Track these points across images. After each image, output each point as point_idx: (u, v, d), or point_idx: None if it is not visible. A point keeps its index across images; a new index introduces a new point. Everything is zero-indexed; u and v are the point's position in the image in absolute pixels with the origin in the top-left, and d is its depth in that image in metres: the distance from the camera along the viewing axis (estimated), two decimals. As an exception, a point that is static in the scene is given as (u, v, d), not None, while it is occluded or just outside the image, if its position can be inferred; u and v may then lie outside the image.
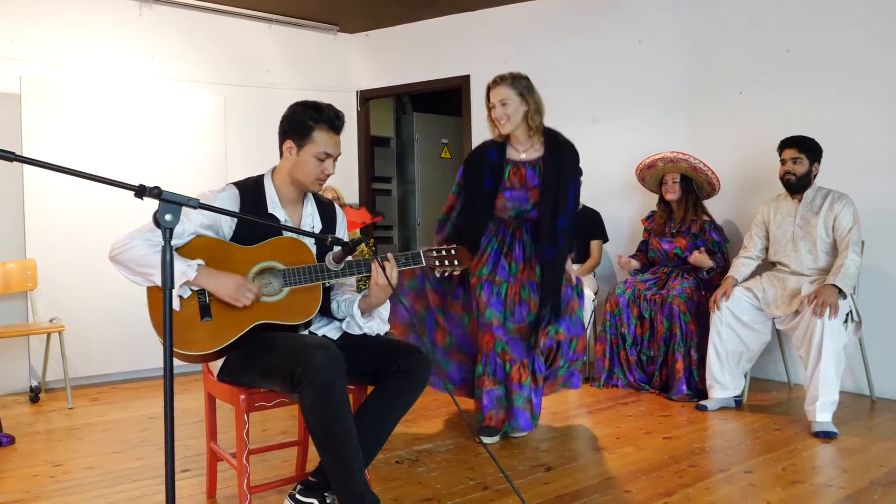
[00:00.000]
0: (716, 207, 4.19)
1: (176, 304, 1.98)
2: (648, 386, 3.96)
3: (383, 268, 2.08)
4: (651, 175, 4.28)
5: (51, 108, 4.29)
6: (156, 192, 1.43)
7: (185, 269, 1.95)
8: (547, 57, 5.11)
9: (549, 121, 5.22)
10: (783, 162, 3.57)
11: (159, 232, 1.98)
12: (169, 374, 1.43)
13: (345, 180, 5.65)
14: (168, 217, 1.44)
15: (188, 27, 5.04)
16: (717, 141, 4.41)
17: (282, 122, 2.24)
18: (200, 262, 2.00)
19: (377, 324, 2.24)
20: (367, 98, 5.93)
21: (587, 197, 4.67)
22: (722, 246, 4.03)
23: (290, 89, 5.33)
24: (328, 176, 2.24)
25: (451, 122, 7.19)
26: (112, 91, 4.55)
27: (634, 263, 4.24)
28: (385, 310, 2.24)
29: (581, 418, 3.51)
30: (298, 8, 5.37)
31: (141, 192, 1.42)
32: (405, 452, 2.90)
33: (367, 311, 2.21)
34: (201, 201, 1.53)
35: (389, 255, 2.12)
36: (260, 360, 2.04)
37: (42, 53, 4.41)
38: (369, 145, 6.06)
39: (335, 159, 2.25)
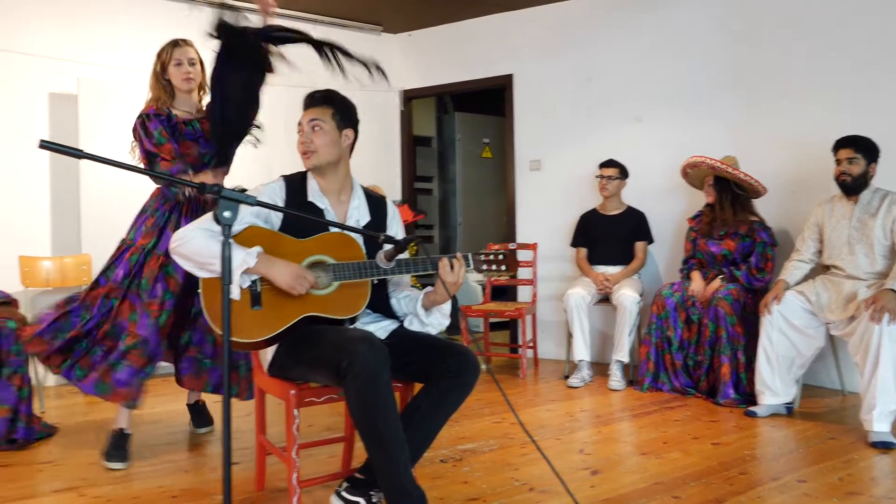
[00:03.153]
0: (765, 209, 4.09)
1: (236, 294, 2.01)
2: (694, 391, 3.88)
3: (452, 266, 2.10)
4: (692, 176, 4.21)
5: (105, 107, 4.40)
6: (216, 190, 1.45)
7: (245, 257, 1.99)
8: (590, 55, 5.06)
9: (592, 119, 5.21)
10: (838, 162, 3.47)
11: (216, 224, 2.04)
12: (227, 367, 1.45)
13: (387, 179, 5.69)
14: (227, 214, 1.46)
15: (236, 28, 5.12)
16: (765, 140, 4.32)
17: None
18: (259, 249, 2.03)
19: (438, 319, 2.26)
20: (410, 98, 5.95)
21: (631, 197, 4.62)
22: (768, 247, 3.93)
23: (332, 88, 5.36)
24: (305, 143, 2.22)
25: (492, 122, 7.18)
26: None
27: (698, 283, 3.99)
28: (447, 305, 2.24)
29: (625, 421, 3.47)
30: (342, 9, 5.42)
31: (202, 189, 1.45)
32: (449, 451, 2.90)
33: (429, 307, 2.23)
34: (250, 192, 1.56)
35: (459, 255, 2.13)
36: (307, 353, 2.07)
37: (96, 55, 4.54)
38: (412, 145, 6.08)
39: (311, 126, 2.22)
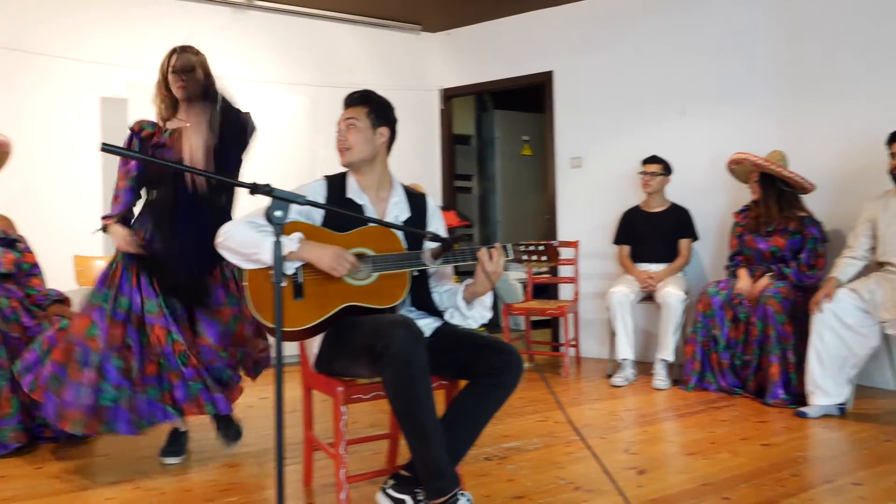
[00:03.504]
0: (814, 205, 3.99)
1: (283, 281, 2.05)
2: (742, 390, 3.81)
3: (490, 256, 2.11)
4: (738, 172, 4.13)
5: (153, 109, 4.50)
6: (266, 190, 1.48)
7: (288, 243, 2.04)
8: (632, 49, 5.00)
9: (634, 115, 5.14)
10: (893, 156, 3.36)
11: (261, 218, 2.09)
12: (279, 361, 1.48)
13: (427, 178, 5.70)
14: (278, 213, 1.49)
15: (277, 31, 5.21)
16: (814, 134, 4.21)
17: None
18: (301, 235, 2.08)
19: (479, 312, 2.27)
20: (449, 96, 5.96)
21: (675, 194, 4.55)
22: (819, 243, 3.83)
23: (374, 89, 5.40)
24: (341, 140, 2.28)
25: (531, 119, 7.14)
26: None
27: (746, 281, 3.89)
28: (488, 298, 2.26)
29: (670, 421, 3.42)
30: (382, 9, 5.45)
31: (253, 189, 1.48)
32: (493, 449, 2.90)
33: (470, 300, 2.24)
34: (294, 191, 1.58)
35: (498, 245, 2.14)
36: (347, 342, 2.11)
37: (145, 60, 4.64)
38: (451, 143, 6.09)
39: (347, 125, 2.28)
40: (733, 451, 2.86)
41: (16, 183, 3.78)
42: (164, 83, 2.78)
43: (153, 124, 2.79)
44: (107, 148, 1.33)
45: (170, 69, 2.76)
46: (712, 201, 4.60)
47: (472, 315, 2.27)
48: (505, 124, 7.28)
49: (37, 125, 4.39)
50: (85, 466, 2.80)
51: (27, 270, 3.32)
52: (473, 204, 7.45)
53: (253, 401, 3.89)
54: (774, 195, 3.90)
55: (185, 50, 2.79)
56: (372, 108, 2.30)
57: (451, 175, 6.06)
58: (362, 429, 3.21)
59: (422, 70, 5.86)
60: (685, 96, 4.77)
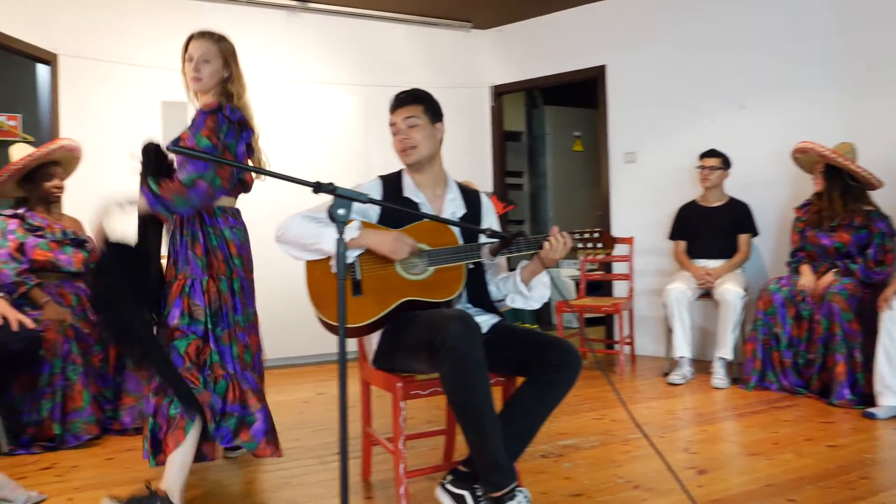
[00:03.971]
0: (881, 199, 3.83)
1: (335, 268, 2.09)
2: (805, 390, 3.69)
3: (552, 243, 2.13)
4: (802, 162, 4.00)
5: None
6: (330, 189, 1.51)
7: (347, 230, 2.05)
8: (687, 41, 4.90)
9: (690, 108, 5.04)
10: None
11: (318, 214, 2.13)
12: (342, 357, 1.51)
13: (478, 175, 5.71)
14: (341, 211, 1.51)
15: (329, 32, 5.28)
16: (880, 124, 4.04)
17: None
18: (359, 223, 2.11)
19: (540, 291, 2.29)
20: (500, 93, 5.95)
21: (734, 188, 4.44)
22: (887, 238, 3.68)
23: (424, 87, 5.43)
24: (405, 140, 2.28)
25: (583, 115, 7.07)
26: (262, 95, 4.84)
27: (809, 277, 3.77)
28: (546, 276, 2.27)
29: (730, 421, 3.34)
30: (433, 7, 5.47)
31: (318, 187, 1.50)
32: (550, 447, 2.89)
33: (528, 280, 2.25)
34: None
35: (556, 229, 2.18)
36: (405, 337, 2.12)
37: (204, 63, 4.79)
38: (502, 140, 6.07)
39: (408, 125, 2.28)
40: (798, 453, 2.77)
41: (83, 186, 3.94)
42: (184, 71, 2.47)
43: None
44: (173, 149, 1.38)
45: (185, 56, 2.46)
46: (772, 195, 4.47)
47: (534, 295, 2.28)
48: (556, 120, 7.22)
49: (101, 130, 4.55)
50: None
51: (96, 269, 3.45)
52: (524, 200, 7.41)
53: (310, 395, 3.97)
54: (839, 188, 3.76)
55: (203, 35, 2.48)
56: (427, 105, 2.32)
57: (502, 172, 6.05)
58: (418, 424, 3.24)
59: (472, 67, 5.86)
60: (743, 87, 4.64)
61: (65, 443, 3.01)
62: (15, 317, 2.80)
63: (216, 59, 2.44)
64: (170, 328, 2.27)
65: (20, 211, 3.26)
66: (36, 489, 2.42)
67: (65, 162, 3.40)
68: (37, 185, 3.30)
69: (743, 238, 4.33)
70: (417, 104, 2.31)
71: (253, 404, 2.33)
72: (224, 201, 2.44)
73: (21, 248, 3.19)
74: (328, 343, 2.78)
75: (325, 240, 2.08)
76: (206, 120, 2.29)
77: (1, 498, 2.31)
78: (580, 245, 2.19)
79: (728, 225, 4.35)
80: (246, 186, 2.55)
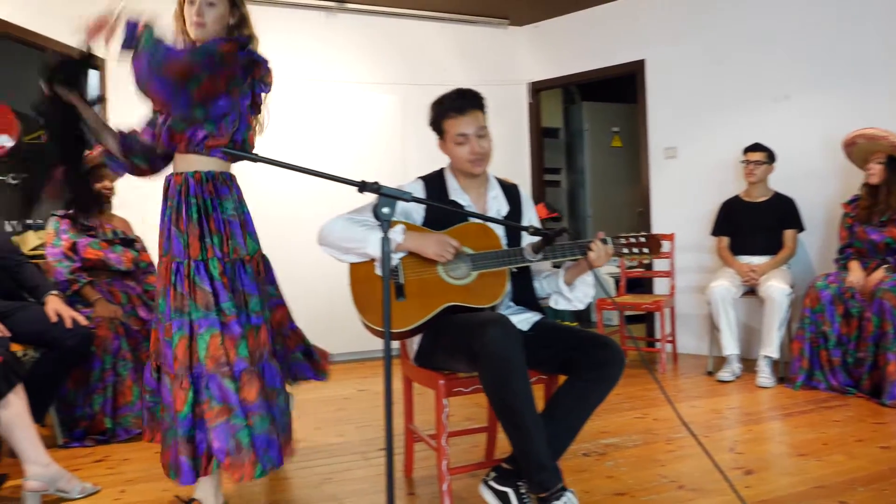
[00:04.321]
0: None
1: (378, 270, 2.11)
2: (855, 390, 3.60)
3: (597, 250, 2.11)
4: (855, 153, 3.88)
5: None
6: (375, 188, 1.52)
7: (391, 234, 2.05)
8: (727, 33, 4.81)
9: (732, 101, 4.94)
10: None
11: (361, 216, 2.15)
12: (387, 356, 1.52)
13: (516, 172, 5.69)
14: (385, 210, 1.53)
15: (368, 32, 5.32)
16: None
17: (429, 124, 2.33)
18: (403, 226, 2.12)
19: (583, 291, 2.27)
20: (538, 90, 5.92)
21: (780, 183, 4.34)
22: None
23: (462, 85, 5.42)
24: (480, 153, 2.23)
25: (621, 110, 6.99)
26: (300, 96, 4.92)
27: (858, 274, 3.66)
28: (589, 276, 2.25)
29: (777, 420, 3.28)
30: (470, 5, 5.47)
31: (362, 187, 1.52)
32: (592, 445, 2.88)
33: (571, 281, 2.25)
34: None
35: (601, 234, 2.15)
36: (444, 340, 2.13)
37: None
38: (540, 137, 6.04)
39: (478, 135, 2.23)
40: (848, 454, 2.71)
41: (129, 187, 4.04)
42: (180, 14, 2.13)
43: None
44: (227, 152, 1.41)
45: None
46: (819, 190, 4.36)
47: (576, 296, 2.26)
48: (593, 116, 7.15)
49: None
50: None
51: (144, 268, 3.55)
52: (562, 197, 7.37)
53: (351, 392, 4.02)
54: None
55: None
56: (485, 109, 2.28)
57: (540, 169, 6.02)
58: (458, 421, 3.25)
59: (510, 64, 5.85)
60: (788, 79, 4.54)
61: (116, 436, 3.10)
62: (69, 314, 2.90)
63: (222, 1, 2.11)
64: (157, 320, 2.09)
65: (72, 211, 3.37)
66: (90, 481, 2.50)
67: (114, 164, 3.49)
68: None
69: (789, 234, 4.23)
70: (480, 109, 2.26)
71: (210, 418, 1.99)
72: (216, 165, 2.12)
73: (74, 248, 3.29)
74: (369, 340, 2.80)
75: (370, 243, 2.08)
76: (221, 45, 1.98)
77: (57, 489, 2.39)
78: (625, 251, 2.16)
79: (773, 220, 4.26)
80: (244, 146, 2.18)
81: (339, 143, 4.95)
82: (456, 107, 2.23)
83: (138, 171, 2.30)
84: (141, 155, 2.25)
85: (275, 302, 2.36)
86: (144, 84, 1.88)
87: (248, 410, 2.02)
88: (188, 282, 2.02)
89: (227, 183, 2.14)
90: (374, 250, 2.08)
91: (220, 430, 1.97)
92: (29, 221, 4.92)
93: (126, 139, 2.23)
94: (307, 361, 2.51)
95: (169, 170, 2.20)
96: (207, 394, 2.00)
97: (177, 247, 2.05)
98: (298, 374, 2.49)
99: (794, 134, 4.45)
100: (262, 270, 2.25)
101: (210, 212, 2.07)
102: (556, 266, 2.29)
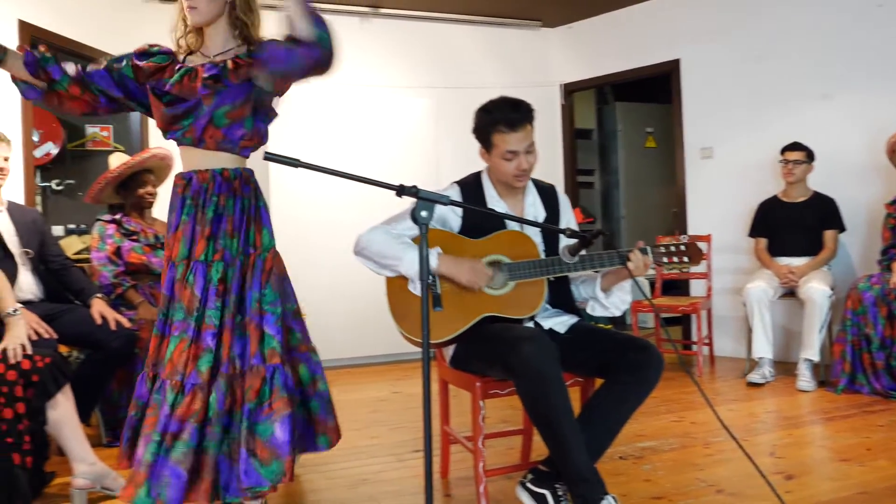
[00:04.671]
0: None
1: (416, 290, 2.12)
2: (901, 393, 3.52)
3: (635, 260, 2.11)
4: (900, 152, 3.80)
5: (286, 117, 4.77)
6: (413, 191, 1.54)
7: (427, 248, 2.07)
8: (765, 31, 4.73)
9: (770, 100, 4.86)
10: None
11: (401, 223, 2.17)
12: (426, 361, 1.54)
13: (549, 174, 5.67)
14: (424, 213, 1.55)
15: (401, 36, 5.36)
16: None
17: (473, 130, 2.29)
18: (439, 249, 2.13)
19: (619, 297, 2.26)
20: (570, 91, 5.90)
21: (819, 182, 4.26)
22: None
23: (495, 88, 5.40)
24: (527, 169, 2.22)
25: (655, 110, 6.92)
26: (336, 100, 4.97)
27: None
28: (627, 283, 2.24)
29: (818, 425, 3.22)
30: (502, 7, 5.47)
31: (400, 191, 1.54)
32: (628, 448, 2.86)
33: (608, 288, 2.24)
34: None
35: (641, 244, 2.14)
36: (480, 350, 2.14)
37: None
38: (573, 138, 6.02)
39: (528, 151, 2.21)
40: (893, 459, 2.65)
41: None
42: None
43: (168, 55, 2.03)
44: (269, 156, 1.44)
45: None
46: (860, 190, 4.27)
47: (613, 302, 2.26)
48: (627, 116, 7.09)
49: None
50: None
51: (184, 271, 3.61)
52: (596, 198, 7.31)
53: (385, 394, 4.05)
54: None
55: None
56: (534, 120, 2.25)
57: (573, 170, 5.99)
58: (494, 423, 3.25)
59: (543, 66, 5.83)
60: (828, 77, 4.45)
61: (157, 436, 3.16)
62: (113, 316, 2.98)
63: None
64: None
65: (117, 217, 3.46)
66: (134, 479, 2.56)
67: (157, 170, 3.58)
68: (131, 192, 3.48)
69: (829, 234, 4.15)
70: (531, 122, 2.21)
71: (145, 425, 1.86)
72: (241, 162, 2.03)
73: (118, 252, 3.38)
74: (403, 343, 2.82)
75: (405, 264, 2.09)
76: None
77: (103, 486, 2.46)
78: (664, 260, 2.14)
79: (813, 221, 4.18)
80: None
81: (374, 147, 5.00)
82: (508, 121, 2.16)
83: (68, 101, 2.01)
84: (100, 90, 2.00)
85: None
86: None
87: (170, 429, 1.81)
88: (181, 284, 1.91)
89: (250, 180, 2.03)
90: (408, 270, 2.09)
91: (143, 439, 1.84)
92: (72, 226, 5.07)
93: (90, 75, 2.00)
94: None
95: None
96: (157, 398, 1.86)
97: (189, 247, 1.94)
98: None
99: (835, 132, 4.37)
100: (276, 268, 2.01)
101: (231, 211, 1.94)
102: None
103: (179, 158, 2.03)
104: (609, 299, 2.25)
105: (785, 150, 4.24)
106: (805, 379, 3.85)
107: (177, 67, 1.96)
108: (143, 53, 2.02)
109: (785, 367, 4.28)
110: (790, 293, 4.14)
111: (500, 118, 2.18)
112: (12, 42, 3.64)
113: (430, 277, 2.13)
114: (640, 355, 2.05)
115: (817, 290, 3.85)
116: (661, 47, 5.29)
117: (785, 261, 4.20)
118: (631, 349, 2.07)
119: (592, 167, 7.30)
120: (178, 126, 1.94)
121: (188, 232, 1.93)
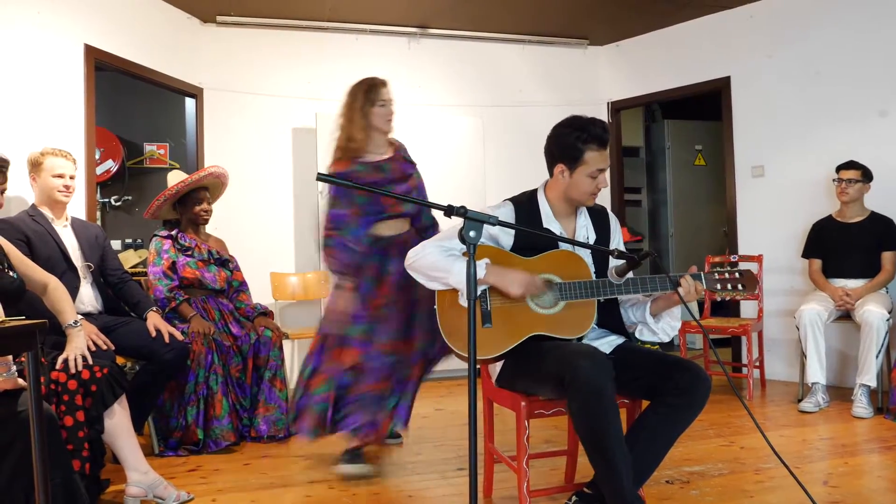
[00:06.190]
0: None
1: (464, 301, 2.14)
2: (964, 422, 3.37)
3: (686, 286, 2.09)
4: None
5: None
6: (462, 212, 1.56)
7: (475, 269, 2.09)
8: (818, 48, 4.64)
9: (824, 117, 4.76)
10: None
11: (452, 241, 2.18)
12: (472, 377, 1.55)
13: (595, 192, 5.64)
14: (472, 234, 1.56)
15: (449, 56, 5.43)
16: None
17: (549, 145, 2.27)
18: (487, 260, 2.13)
19: (668, 322, 2.24)
20: (618, 109, 5.87)
21: (877, 203, 4.14)
22: None
23: (542, 106, 5.48)
24: (602, 188, 2.24)
25: (704, 128, 6.83)
26: (386, 119, 5.05)
27: None
28: (677, 309, 2.22)
29: (876, 454, 3.10)
30: (549, 26, 5.49)
31: (449, 211, 1.57)
32: (675, 472, 2.80)
33: (657, 313, 2.22)
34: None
35: (694, 269, 2.13)
36: (532, 366, 2.13)
37: (331, 91, 5.03)
38: (620, 156, 5.98)
39: (600, 171, 2.23)
40: (957, 492, 2.54)
41: (224, 208, 4.26)
42: (361, 113, 2.86)
43: (365, 164, 2.85)
44: (322, 177, 1.48)
45: (378, 100, 2.86)
46: (921, 210, 4.13)
47: (662, 328, 2.24)
48: (675, 134, 7.01)
49: (239, 156, 4.91)
50: (285, 465, 3.07)
51: (237, 287, 3.72)
52: (643, 217, 7.23)
53: (428, 411, 4.06)
54: None
55: (385, 84, 2.92)
56: None
57: (620, 189, 5.95)
58: (537, 444, 3.23)
59: (590, 84, 5.82)
60: (885, 94, 4.33)
61: (206, 447, 3.24)
62: (167, 329, 3.08)
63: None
64: None
65: (173, 232, 3.58)
66: (184, 489, 2.63)
67: (212, 187, 3.70)
68: (188, 209, 3.60)
69: (887, 256, 4.01)
70: (606, 149, 2.24)
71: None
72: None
73: (173, 267, 3.49)
74: (447, 360, 2.85)
75: (454, 275, 2.11)
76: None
77: (155, 495, 2.53)
78: (718, 286, 2.12)
79: (869, 242, 4.05)
80: None
81: (422, 167, 5.03)
82: (602, 140, 2.19)
83: None
84: None
85: None
86: None
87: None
88: None
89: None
90: (457, 282, 2.11)
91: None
92: (129, 240, 5.26)
93: None
94: None
95: None
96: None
97: None
98: None
99: (893, 151, 4.24)
100: None
101: None
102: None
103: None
104: (658, 324, 2.23)
105: (840, 168, 4.13)
106: (861, 405, 3.72)
107: None
108: None
109: (839, 392, 4.15)
110: (845, 316, 4.01)
111: (595, 135, 2.19)
112: (78, 64, 3.83)
113: (480, 291, 2.14)
114: (687, 377, 2.02)
115: (875, 313, 3.73)
116: (710, 64, 5.23)
117: (840, 283, 4.08)
118: (678, 371, 2.04)
119: (640, 185, 7.23)
120: None
121: None
